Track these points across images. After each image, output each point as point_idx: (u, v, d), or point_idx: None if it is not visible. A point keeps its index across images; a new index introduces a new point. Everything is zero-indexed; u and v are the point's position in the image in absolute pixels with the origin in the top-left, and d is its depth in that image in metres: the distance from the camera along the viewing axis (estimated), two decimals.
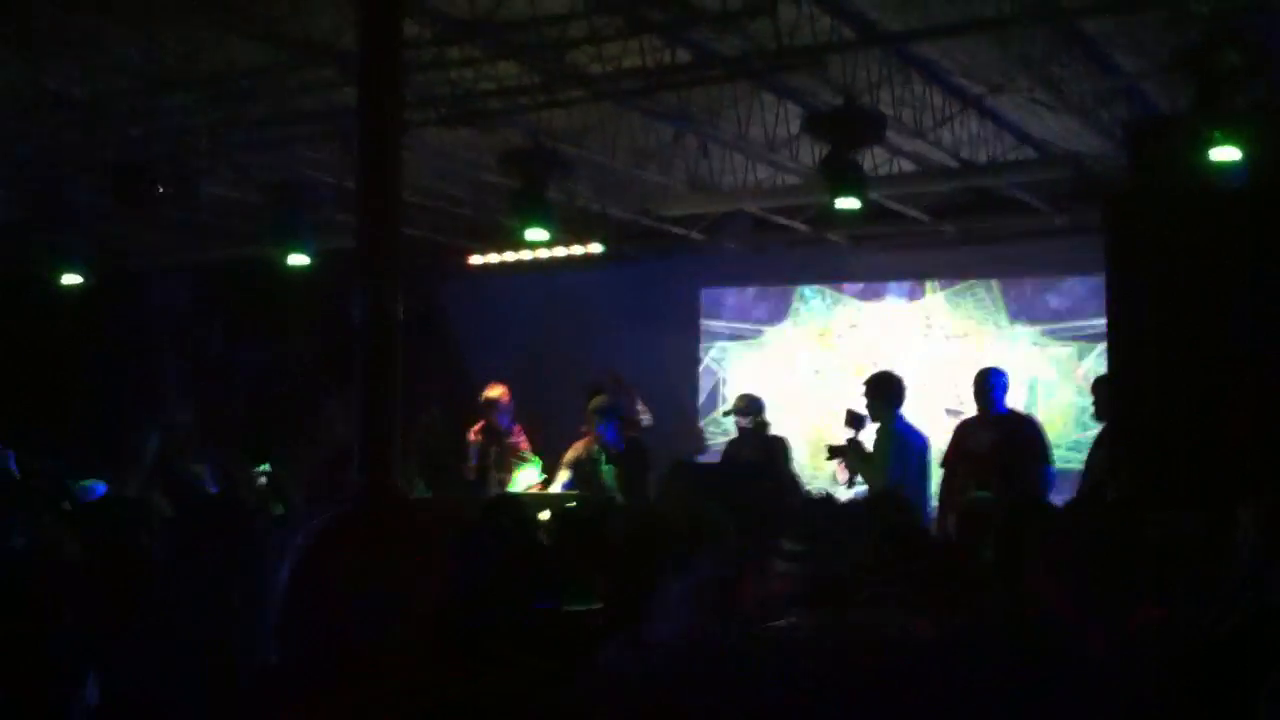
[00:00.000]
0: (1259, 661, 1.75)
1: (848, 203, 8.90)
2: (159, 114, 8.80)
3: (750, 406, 10.22)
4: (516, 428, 10.09)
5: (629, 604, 2.89)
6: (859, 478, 8.75)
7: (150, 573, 3.70)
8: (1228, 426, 6.76)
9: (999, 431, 8.67)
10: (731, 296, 13.45)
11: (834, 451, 9.03)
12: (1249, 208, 7.23)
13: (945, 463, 8.95)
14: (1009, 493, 8.19)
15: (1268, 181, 7.22)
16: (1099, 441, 8.60)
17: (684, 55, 8.01)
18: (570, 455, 9.58)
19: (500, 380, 10.28)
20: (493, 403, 10.01)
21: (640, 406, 10.58)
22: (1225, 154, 7.31)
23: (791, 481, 10.03)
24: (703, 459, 11.91)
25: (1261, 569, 3.45)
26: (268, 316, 14.06)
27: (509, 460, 9.95)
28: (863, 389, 8.98)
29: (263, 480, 8.55)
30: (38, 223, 10.58)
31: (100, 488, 7.67)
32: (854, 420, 8.78)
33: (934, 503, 8.78)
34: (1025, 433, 8.82)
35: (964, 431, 8.93)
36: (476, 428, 10.06)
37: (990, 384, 8.87)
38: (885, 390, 8.87)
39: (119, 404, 13.49)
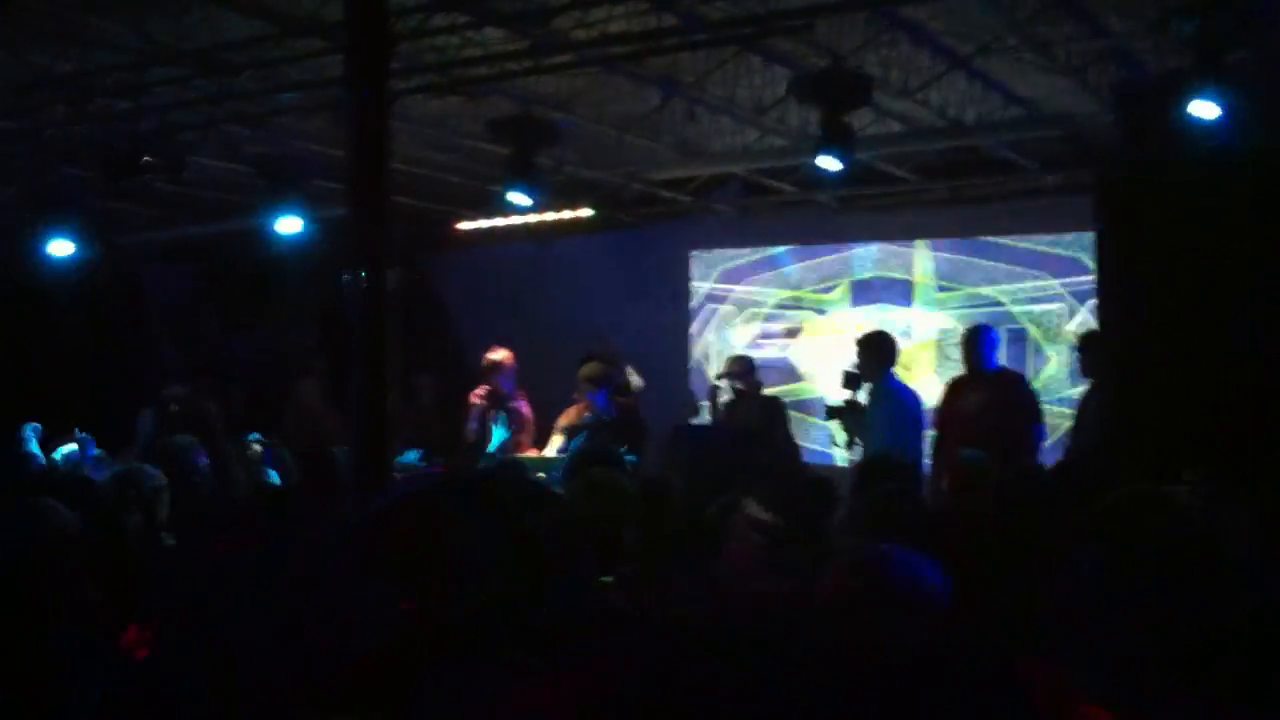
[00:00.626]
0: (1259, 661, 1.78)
1: (834, 164, 8.89)
2: (147, 89, 8.75)
3: (743, 368, 10.24)
4: (519, 393, 10.08)
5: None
6: (858, 439, 8.80)
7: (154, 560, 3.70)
8: (1221, 389, 6.81)
9: (990, 390, 8.72)
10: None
11: (832, 412, 9.08)
12: (1238, 169, 7.24)
13: (936, 422, 9.00)
14: (1000, 452, 8.28)
15: (1256, 142, 7.24)
16: (1087, 398, 8.66)
17: (670, 20, 7.99)
18: (563, 421, 9.61)
19: (489, 349, 10.27)
20: (496, 365, 9.98)
21: (629, 370, 10.60)
22: (1211, 113, 7.31)
23: (790, 446, 10.09)
24: (696, 422, 11.93)
25: (1259, 567, 3.48)
26: (264, 304, 14.12)
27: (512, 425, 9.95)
28: (855, 349, 9.03)
29: (256, 448, 8.56)
30: (26, 203, 10.54)
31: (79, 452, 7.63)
32: (850, 381, 8.82)
33: (927, 462, 8.84)
34: (1016, 390, 8.87)
35: (955, 390, 8.97)
36: (479, 391, 10.03)
37: (980, 342, 8.91)
38: (878, 349, 8.92)
39: (114, 392, 13.50)
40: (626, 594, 3.20)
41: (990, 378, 8.81)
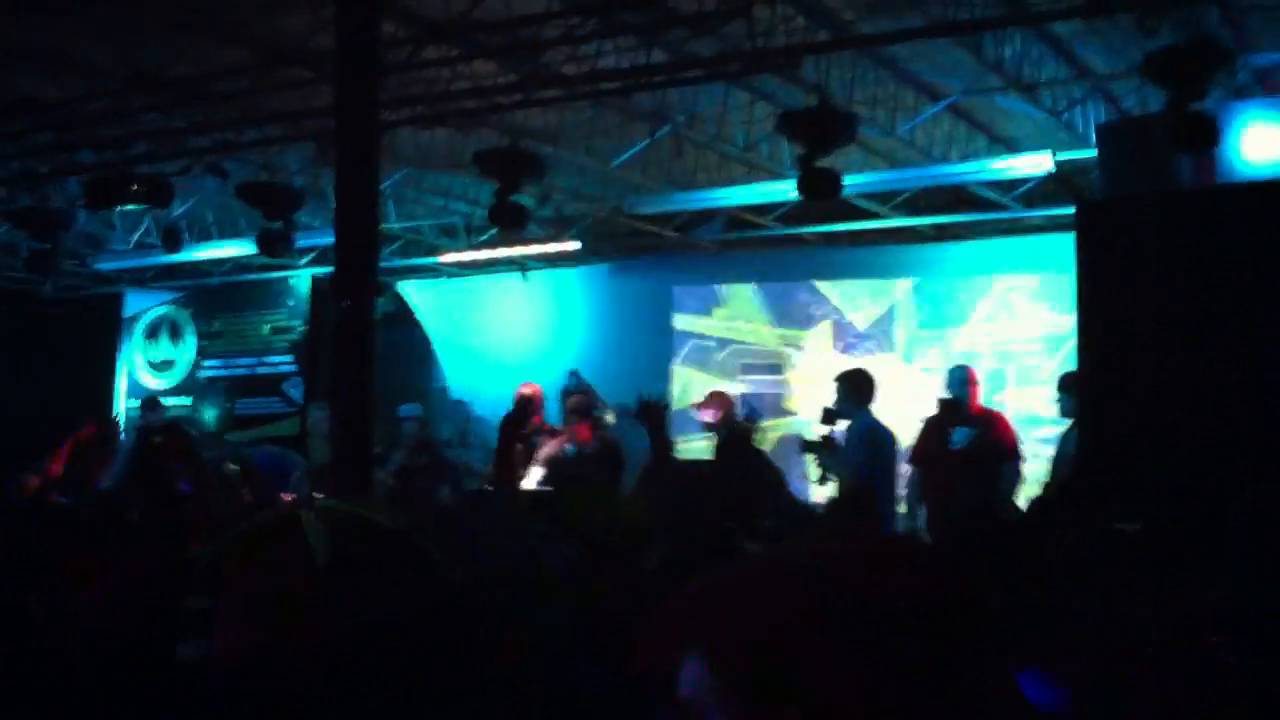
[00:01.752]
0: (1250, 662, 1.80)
1: (817, 200, 8.94)
2: (132, 116, 8.77)
3: (716, 403, 10.29)
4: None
5: None
6: (831, 474, 8.82)
7: None
8: (1200, 427, 6.83)
9: (972, 428, 8.76)
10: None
11: (807, 446, 9.10)
12: (1221, 209, 7.30)
13: (916, 459, 9.04)
14: (978, 489, 8.32)
15: (1241, 184, 7.31)
16: (1065, 439, 8.69)
17: (659, 55, 8.05)
18: (544, 452, 9.62)
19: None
20: (529, 400, 10.17)
21: (600, 405, 10.64)
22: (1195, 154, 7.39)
23: (776, 480, 10.09)
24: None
25: (1247, 570, 3.49)
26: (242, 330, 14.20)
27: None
28: (834, 385, 9.06)
29: (232, 467, 8.54)
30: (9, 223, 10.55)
31: None
32: (828, 416, 8.85)
33: (901, 499, 8.88)
34: (997, 430, 8.90)
35: (934, 428, 9.00)
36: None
37: (962, 380, 8.96)
38: (857, 386, 8.95)
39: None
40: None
41: (971, 416, 8.86)
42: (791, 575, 1.47)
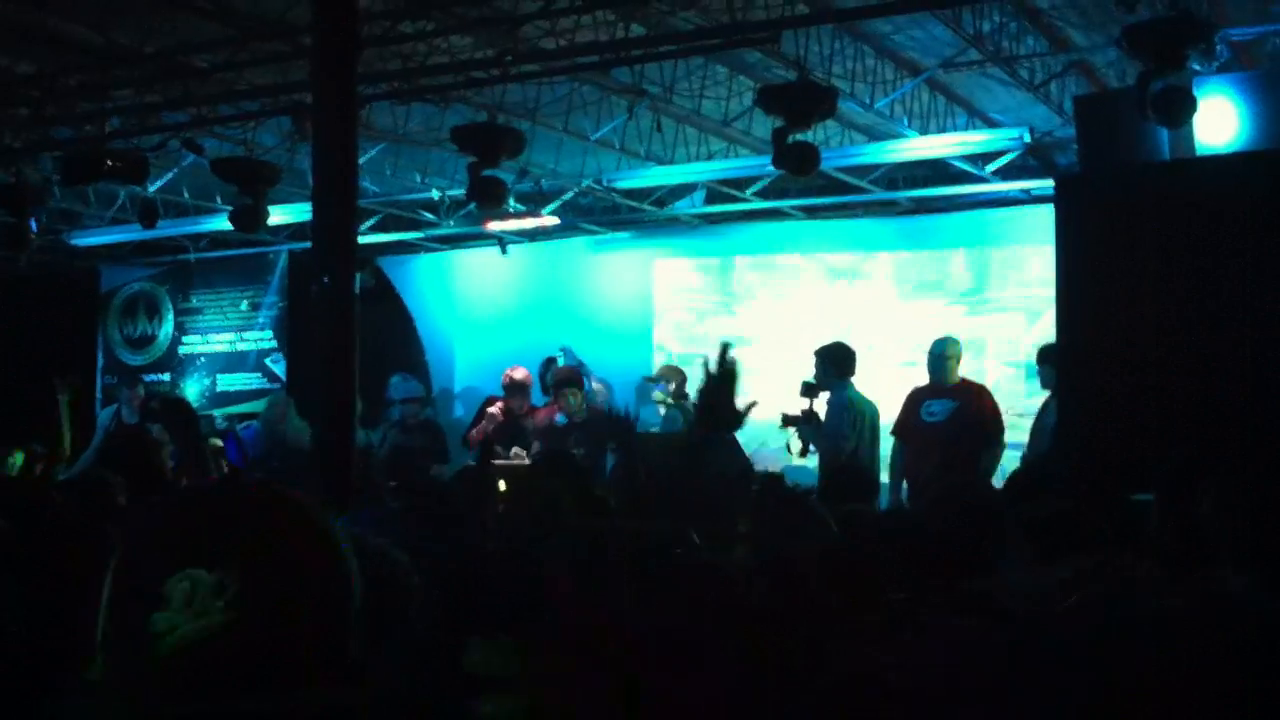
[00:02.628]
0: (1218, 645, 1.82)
1: (797, 174, 8.95)
2: (109, 91, 8.71)
3: (673, 375, 10.34)
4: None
5: None
6: (812, 447, 8.85)
7: None
8: (1177, 402, 6.87)
9: (953, 401, 8.79)
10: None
11: (788, 420, 9.12)
12: (1197, 183, 7.34)
13: (897, 431, 9.07)
14: (959, 462, 8.35)
15: (1217, 157, 7.34)
16: (1044, 410, 8.73)
17: (638, 29, 8.03)
18: (538, 424, 9.72)
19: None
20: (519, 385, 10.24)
21: (596, 385, 10.71)
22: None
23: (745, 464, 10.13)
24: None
25: (1216, 550, 3.53)
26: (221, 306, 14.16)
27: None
28: (814, 359, 9.08)
29: (216, 442, 8.51)
30: None
31: None
32: (809, 390, 8.87)
33: (884, 471, 8.91)
34: (979, 403, 8.94)
35: (917, 400, 9.03)
36: (498, 406, 10.37)
37: (945, 353, 8.99)
38: (837, 360, 8.97)
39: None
40: None
41: (954, 389, 8.89)
42: None
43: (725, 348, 3.15)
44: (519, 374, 10.32)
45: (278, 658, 1.44)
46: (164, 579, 1.43)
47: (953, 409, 8.74)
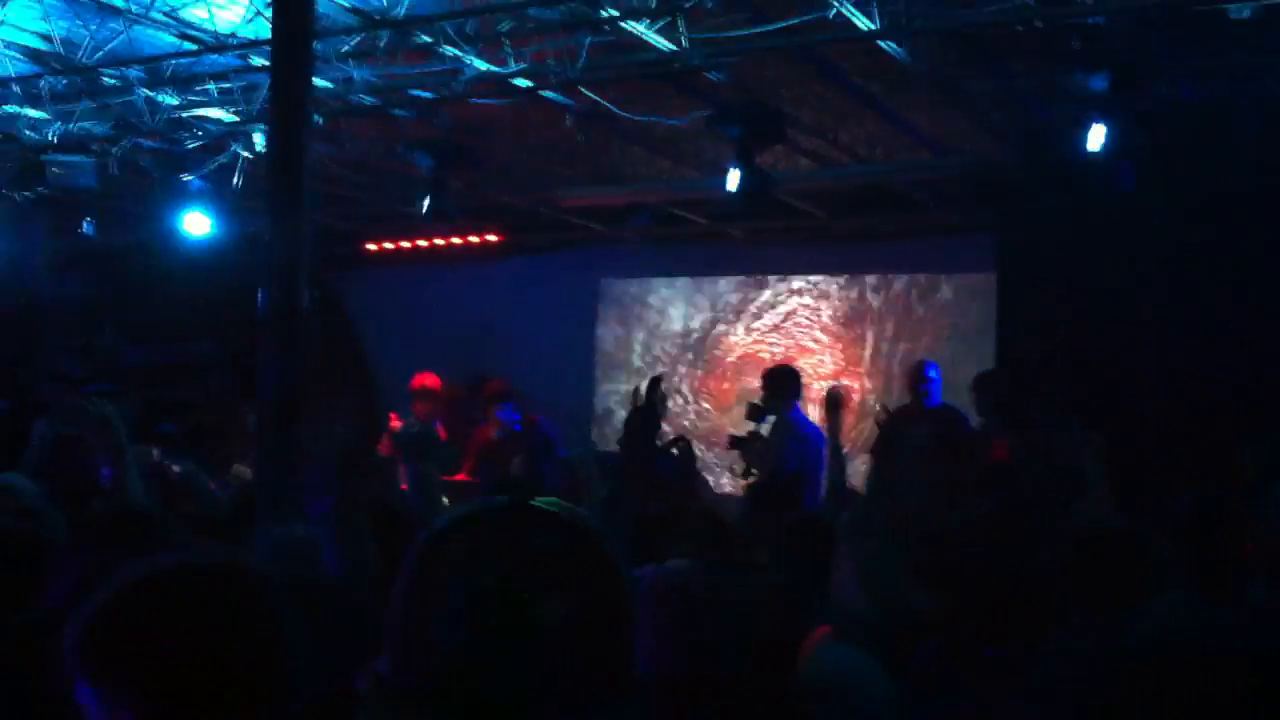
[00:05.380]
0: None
1: (746, 198, 9.03)
2: (59, 98, 8.66)
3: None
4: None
5: None
6: (755, 469, 8.93)
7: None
8: (1121, 428, 7.01)
9: (932, 425, 8.84)
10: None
11: (734, 442, 9.20)
12: (1136, 206, 7.50)
13: (874, 451, 9.14)
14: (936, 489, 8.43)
15: (1154, 179, 7.51)
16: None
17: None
18: (482, 446, 9.72)
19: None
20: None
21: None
22: (1110, 153, 7.56)
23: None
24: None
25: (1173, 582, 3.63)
26: (164, 315, 13.97)
27: None
28: (760, 382, 9.17)
29: (155, 453, 8.41)
30: None
31: None
32: (755, 413, 8.96)
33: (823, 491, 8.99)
34: (958, 428, 9.01)
35: (895, 423, 9.07)
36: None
37: (924, 376, 9.08)
38: (782, 384, 9.07)
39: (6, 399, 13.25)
40: None
41: (933, 412, 8.97)
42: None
43: (656, 381, 3.19)
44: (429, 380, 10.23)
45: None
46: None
47: (933, 434, 8.79)
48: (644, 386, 3.25)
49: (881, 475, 8.62)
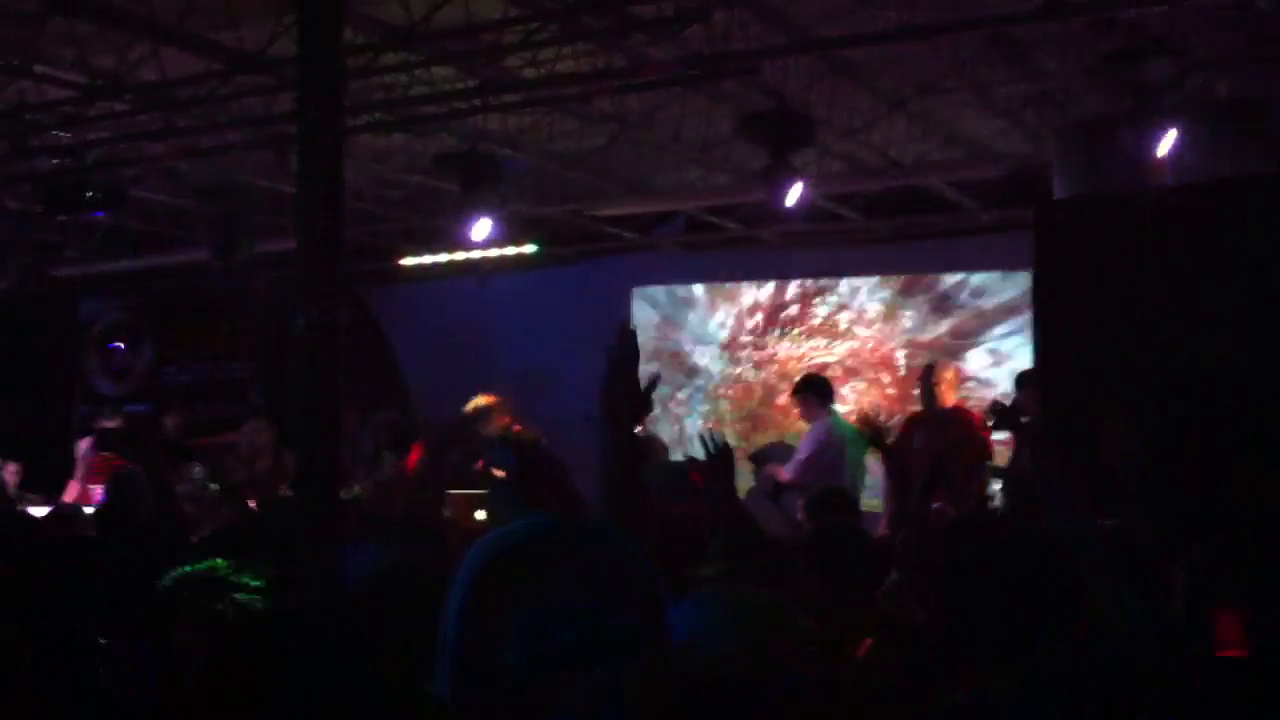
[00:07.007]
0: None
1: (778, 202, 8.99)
2: (90, 122, 8.70)
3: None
4: None
5: None
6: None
7: None
8: (1160, 428, 6.92)
9: (945, 428, 8.76)
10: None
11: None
12: (1173, 210, 7.41)
13: (889, 452, 9.06)
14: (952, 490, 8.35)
15: (1192, 183, 7.42)
16: (1021, 440, 8.75)
17: (619, 59, 8.06)
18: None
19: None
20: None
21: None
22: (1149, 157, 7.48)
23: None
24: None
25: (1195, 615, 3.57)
26: (200, 335, 14.06)
27: None
28: (792, 390, 9.14)
29: (213, 486, 8.42)
30: None
31: None
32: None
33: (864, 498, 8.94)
34: (970, 430, 8.93)
35: (911, 428, 9.00)
36: None
37: (936, 379, 8.99)
38: (815, 390, 9.03)
39: (46, 421, 13.38)
40: None
41: (945, 415, 8.88)
42: None
43: (628, 332, 2.88)
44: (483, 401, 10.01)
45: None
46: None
47: (946, 437, 8.73)
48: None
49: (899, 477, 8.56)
